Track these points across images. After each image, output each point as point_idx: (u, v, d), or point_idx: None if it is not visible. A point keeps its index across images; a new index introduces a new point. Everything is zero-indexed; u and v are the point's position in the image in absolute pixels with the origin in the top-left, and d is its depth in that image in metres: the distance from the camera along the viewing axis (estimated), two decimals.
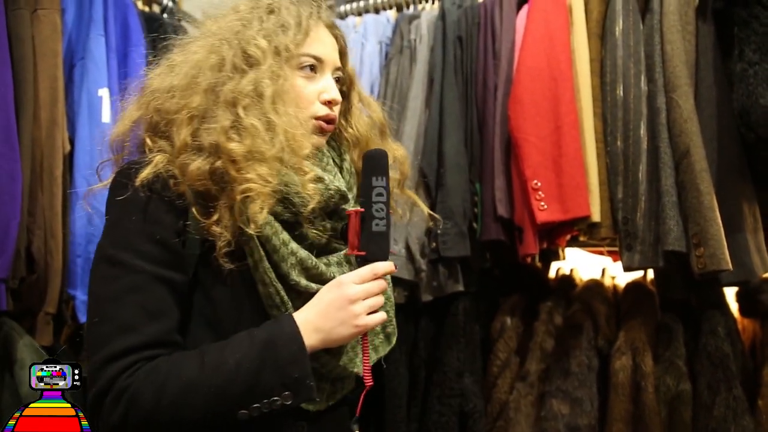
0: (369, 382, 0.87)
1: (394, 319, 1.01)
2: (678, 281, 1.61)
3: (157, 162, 0.82)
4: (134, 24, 1.68)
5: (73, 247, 1.45)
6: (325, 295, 0.84)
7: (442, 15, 1.82)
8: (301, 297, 0.85)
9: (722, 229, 1.41)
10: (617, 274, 1.88)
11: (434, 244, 1.71)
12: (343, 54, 1.00)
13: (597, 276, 1.87)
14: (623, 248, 1.53)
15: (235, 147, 0.81)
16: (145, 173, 0.81)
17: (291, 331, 0.81)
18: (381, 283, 0.85)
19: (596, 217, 1.54)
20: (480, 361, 1.75)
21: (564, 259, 1.99)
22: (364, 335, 0.86)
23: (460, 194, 1.70)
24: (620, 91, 1.57)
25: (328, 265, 0.88)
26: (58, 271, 1.42)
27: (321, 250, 0.90)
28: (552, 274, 2.00)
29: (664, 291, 1.68)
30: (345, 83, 1.02)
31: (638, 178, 1.52)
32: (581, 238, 1.70)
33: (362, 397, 0.89)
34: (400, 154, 1.05)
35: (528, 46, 1.64)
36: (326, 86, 0.93)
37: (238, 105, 0.83)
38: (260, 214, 0.79)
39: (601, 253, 1.93)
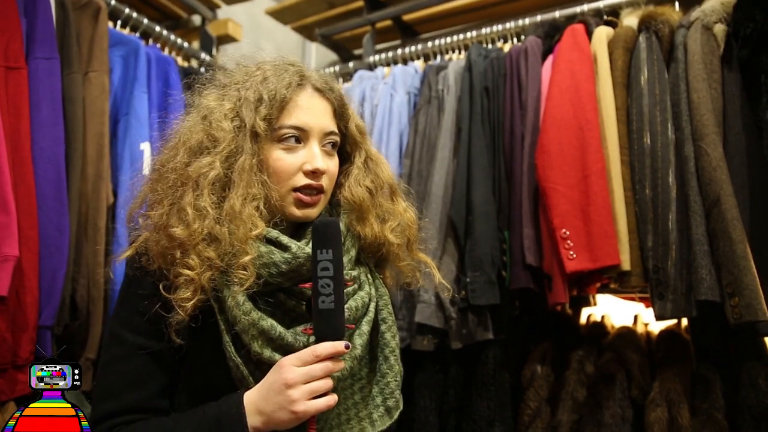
0: None
1: (396, 392, 0.95)
2: (714, 329, 1.58)
3: (139, 240, 0.89)
4: (174, 80, 1.78)
5: (114, 295, 1.51)
6: (269, 376, 0.81)
7: (469, 66, 1.87)
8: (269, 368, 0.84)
9: (757, 278, 1.38)
10: (650, 321, 1.85)
11: (464, 293, 1.72)
12: (341, 115, 0.98)
13: (629, 323, 1.84)
14: (655, 297, 1.51)
15: (177, 231, 0.83)
16: (128, 252, 0.89)
17: (237, 412, 0.80)
18: (325, 366, 0.79)
19: (626, 265, 1.53)
20: (510, 410, 1.72)
21: (595, 305, 1.96)
22: (311, 421, 0.81)
23: (489, 242, 1.71)
24: (647, 139, 1.58)
25: (296, 335, 0.85)
26: (99, 318, 1.49)
27: (301, 318, 0.88)
28: (583, 320, 1.97)
29: (700, 339, 1.64)
30: (349, 143, 1.01)
31: (668, 227, 1.51)
32: (612, 286, 1.69)
33: None
34: (408, 217, 1.02)
35: (554, 96, 1.67)
36: (309, 156, 0.91)
37: (190, 187, 0.85)
38: (188, 302, 0.81)
39: (632, 299, 1.90)
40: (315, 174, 0.91)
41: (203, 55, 2.18)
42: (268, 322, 0.84)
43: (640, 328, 1.83)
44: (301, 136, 0.92)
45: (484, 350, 1.77)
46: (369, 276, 1.00)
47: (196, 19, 2.34)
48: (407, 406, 1.81)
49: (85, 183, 1.49)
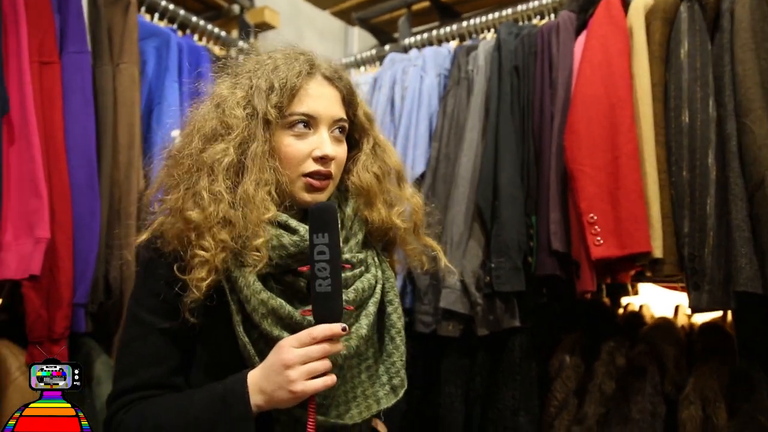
0: None
1: (402, 371, 0.97)
2: (760, 323, 1.46)
3: (154, 224, 0.93)
4: (206, 69, 1.83)
5: None
6: (270, 356, 0.84)
7: (498, 45, 1.80)
8: None
9: None
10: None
11: (488, 278, 1.68)
12: (350, 103, 1.01)
13: (670, 314, 1.73)
14: (690, 287, 1.41)
15: (193, 214, 0.86)
16: (145, 235, 0.93)
17: (241, 390, 0.83)
18: (322, 348, 0.81)
19: (658, 252, 1.44)
20: (537, 400, 1.67)
21: (636, 294, 1.86)
22: (310, 399, 0.83)
23: (515, 227, 1.66)
24: (686, 117, 1.47)
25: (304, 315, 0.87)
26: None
27: (308, 300, 0.90)
28: (622, 310, 1.88)
29: (744, 334, 1.52)
30: (357, 130, 1.03)
31: (706, 211, 1.40)
32: (647, 274, 1.59)
33: None
34: (415, 202, 1.04)
35: (584, 73, 1.58)
36: (318, 142, 0.94)
37: (206, 172, 0.89)
38: (203, 282, 0.84)
39: (675, 288, 1.78)
40: (324, 160, 0.94)
41: (241, 43, 2.22)
42: (278, 302, 0.87)
43: (681, 320, 1.72)
44: (310, 123, 0.95)
45: (511, 338, 1.72)
46: (376, 259, 1.02)
47: (237, 9, 2.39)
48: (433, 392, 1.81)
49: (117, 170, 1.57)
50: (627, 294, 1.85)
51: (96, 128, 1.52)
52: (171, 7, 1.94)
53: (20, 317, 1.40)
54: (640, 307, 1.80)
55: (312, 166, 0.93)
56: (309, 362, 0.81)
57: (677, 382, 1.49)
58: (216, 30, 2.10)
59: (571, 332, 1.72)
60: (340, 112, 0.98)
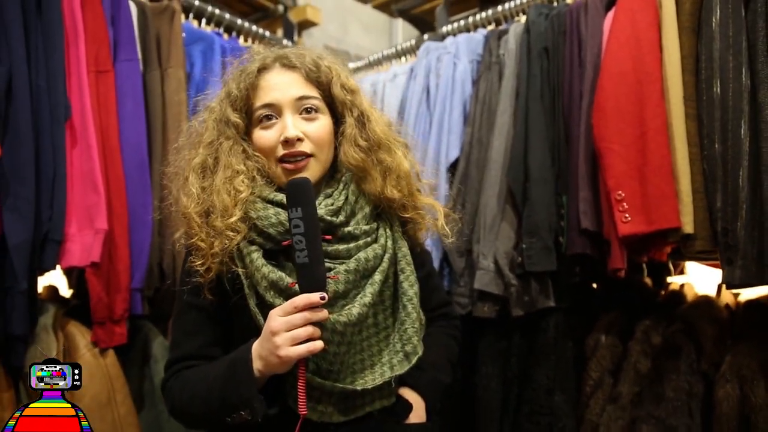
0: (302, 411, 0.88)
1: (414, 338, 1.01)
2: None
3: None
4: None
5: None
6: (265, 325, 0.91)
7: (527, 27, 1.80)
8: None
9: None
10: (741, 291, 1.67)
11: (520, 259, 1.69)
12: (317, 79, 1.04)
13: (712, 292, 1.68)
14: (723, 262, 1.37)
15: (181, 210, 1.01)
16: (183, 228, 1.05)
17: (245, 357, 0.91)
18: (303, 315, 0.86)
19: (689, 228, 1.40)
20: (573, 380, 1.67)
21: (682, 274, 1.81)
22: (300, 364, 0.89)
23: (546, 208, 1.66)
24: (717, 88, 1.42)
25: None
26: None
27: None
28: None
29: None
30: (338, 103, 1.06)
31: (738, 185, 1.35)
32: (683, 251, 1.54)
33: (298, 427, 0.90)
34: (404, 169, 1.06)
35: (612, 49, 1.56)
36: (282, 127, 1.01)
37: (183, 174, 1.03)
38: (201, 267, 0.96)
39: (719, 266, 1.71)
40: (288, 143, 1.00)
41: (285, 42, 2.33)
42: (277, 275, 0.94)
43: (727, 299, 1.66)
44: (273, 113, 1.02)
45: (546, 318, 1.72)
46: (388, 230, 1.06)
47: (282, 9, 2.50)
48: (470, 373, 1.84)
49: (167, 165, 1.71)
50: (670, 274, 1.80)
51: (147, 128, 1.67)
52: (216, 12, 2.07)
53: (88, 302, 1.57)
54: (682, 286, 1.74)
55: (281, 151, 1.01)
56: (292, 329, 0.86)
57: (715, 360, 1.45)
58: (260, 30, 2.22)
59: (608, 312, 1.70)
60: (300, 91, 1.03)
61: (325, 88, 1.06)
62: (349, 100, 1.06)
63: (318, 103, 1.04)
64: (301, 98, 1.02)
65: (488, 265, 1.75)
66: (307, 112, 1.03)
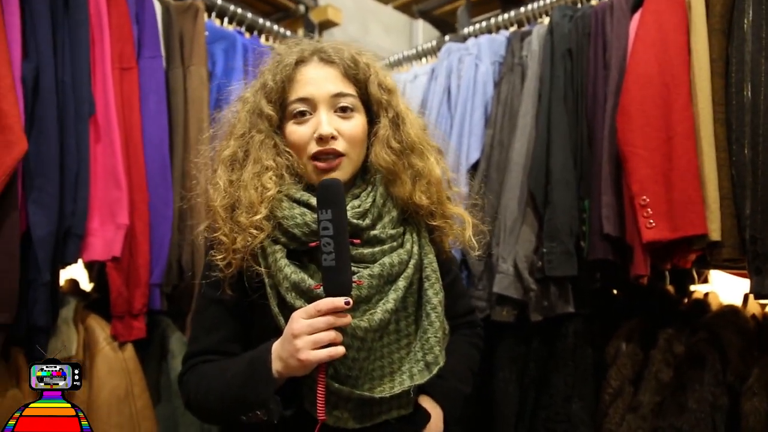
0: (321, 416, 0.87)
1: (436, 348, 0.97)
2: None
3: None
4: None
5: None
6: (286, 326, 0.89)
7: (551, 29, 1.78)
8: None
9: None
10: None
11: (540, 263, 1.67)
12: (355, 76, 1.01)
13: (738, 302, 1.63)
14: (752, 271, 1.34)
15: (207, 203, 1.01)
16: (207, 222, 1.04)
17: (264, 357, 0.90)
18: (326, 320, 0.84)
19: (716, 235, 1.37)
20: (592, 387, 1.65)
21: (705, 282, 1.77)
22: (320, 368, 0.87)
23: (567, 212, 1.64)
24: (748, 92, 1.38)
25: None
26: None
27: None
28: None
29: None
30: (374, 103, 1.03)
31: None
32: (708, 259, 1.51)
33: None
34: (435, 175, 1.04)
35: (638, 52, 1.54)
36: (316, 123, 0.98)
37: (212, 166, 1.02)
38: (221, 262, 0.95)
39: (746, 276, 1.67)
40: (322, 140, 0.97)
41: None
42: (299, 276, 0.92)
43: (754, 309, 1.62)
44: (308, 108, 0.99)
45: (566, 324, 1.70)
46: (415, 235, 1.03)
47: (303, 9, 2.51)
48: (487, 377, 1.82)
49: (188, 163, 1.72)
50: (693, 282, 1.76)
51: (169, 125, 1.68)
52: (239, 11, 2.08)
53: (108, 296, 1.59)
54: (706, 294, 1.71)
55: (315, 148, 0.98)
56: (315, 333, 0.85)
57: (741, 372, 1.41)
58: (281, 30, 2.22)
59: (630, 320, 1.67)
60: (337, 87, 1.00)
61: (361, 86, 1.03)
62: (386, 100, 1.03)
63: (354, 101, 1.02)
64: (337, 95, 1.00)
65: (508, 268, 1.73)
66: (342, 110, 1.00)
